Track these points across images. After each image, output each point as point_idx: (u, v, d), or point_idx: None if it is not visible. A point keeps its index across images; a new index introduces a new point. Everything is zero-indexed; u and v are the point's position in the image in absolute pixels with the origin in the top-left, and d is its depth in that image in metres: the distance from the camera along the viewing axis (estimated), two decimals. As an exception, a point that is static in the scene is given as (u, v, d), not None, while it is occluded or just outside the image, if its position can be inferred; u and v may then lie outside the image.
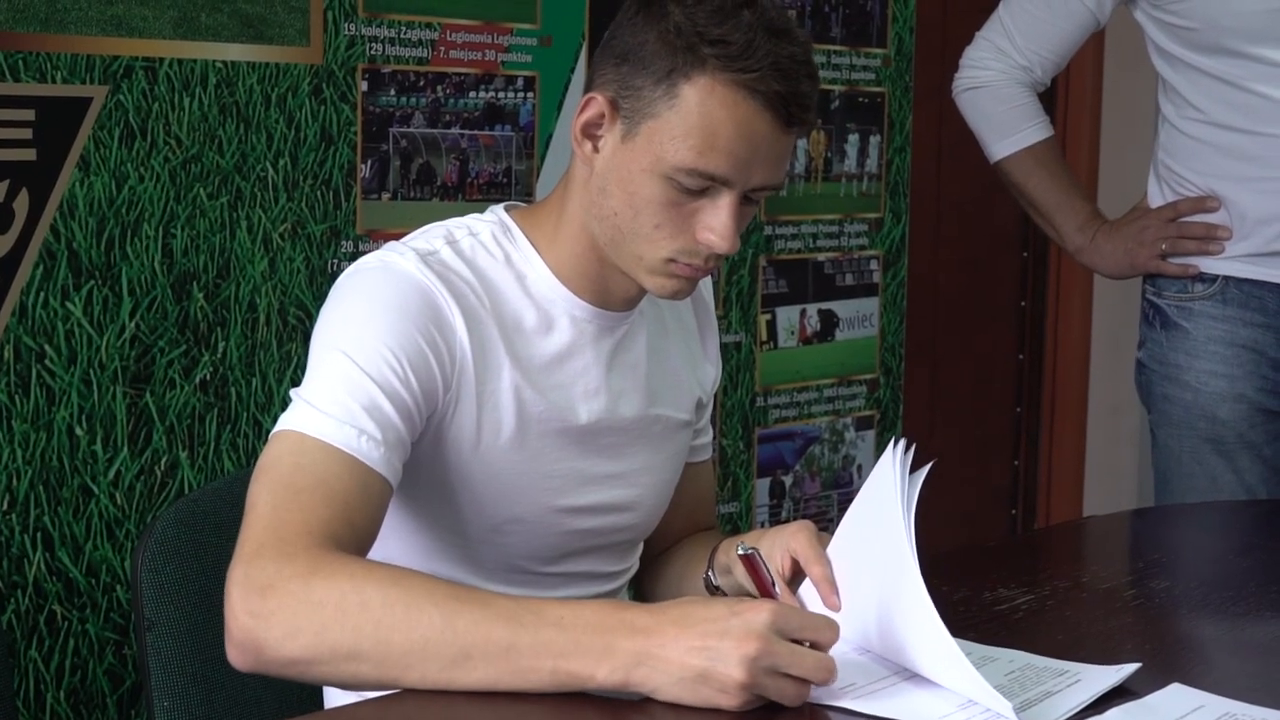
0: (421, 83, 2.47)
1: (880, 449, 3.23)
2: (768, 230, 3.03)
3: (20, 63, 2.04)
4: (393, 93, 2.44)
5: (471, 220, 1.64)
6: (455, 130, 2.52)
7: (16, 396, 2.06)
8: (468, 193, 2.53)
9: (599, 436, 1.65)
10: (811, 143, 3.10)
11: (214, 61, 2.22)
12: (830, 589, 1.44)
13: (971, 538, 3.91)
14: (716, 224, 1.53)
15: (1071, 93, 4.03)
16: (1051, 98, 3.49)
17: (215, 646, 1.36)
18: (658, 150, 1.52)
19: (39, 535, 2.09)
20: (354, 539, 1.41)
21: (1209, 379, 2.44)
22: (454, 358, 1.54)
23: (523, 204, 1.69)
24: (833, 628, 1.30)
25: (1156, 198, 2.52)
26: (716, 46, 1.49)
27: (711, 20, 1.50)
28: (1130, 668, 1.36)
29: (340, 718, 1.41)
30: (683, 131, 1.50)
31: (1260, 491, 2.44)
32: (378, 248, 1.59)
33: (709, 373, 1.81)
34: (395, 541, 1.58)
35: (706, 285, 1.80)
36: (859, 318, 3.25)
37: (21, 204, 2.05)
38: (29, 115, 2.05)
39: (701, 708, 1.24)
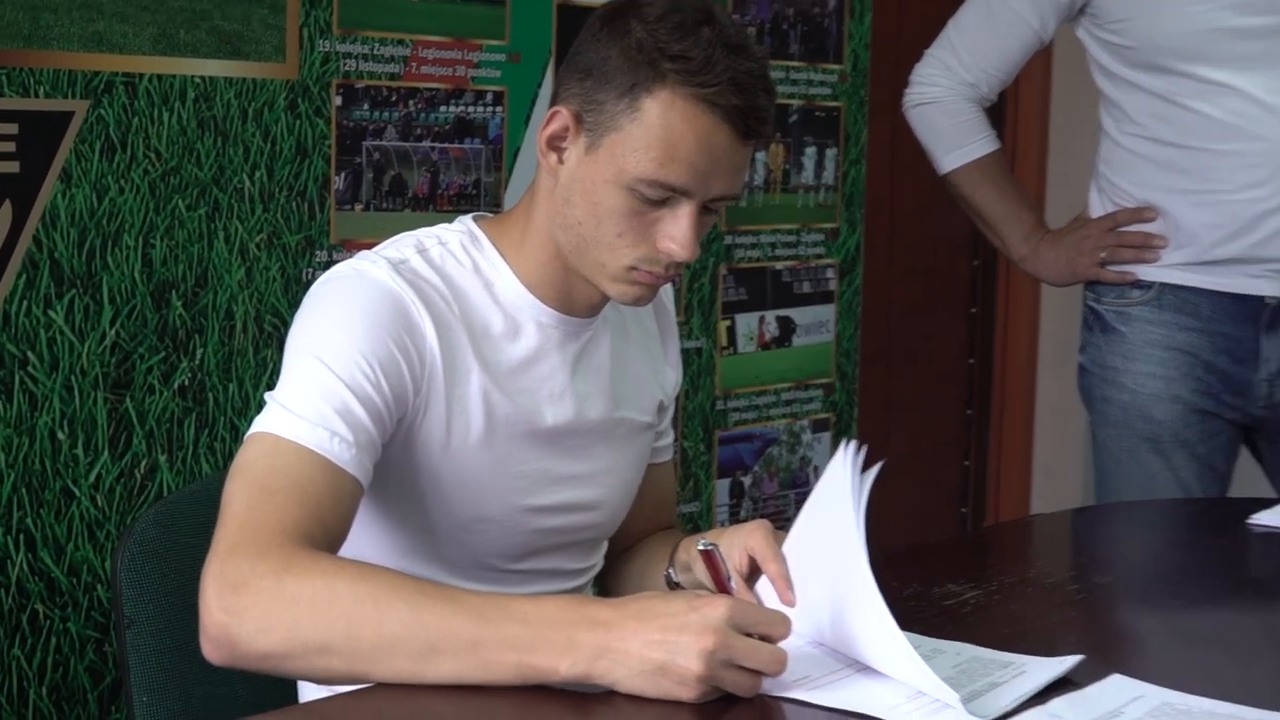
0: (394, 97, 2.47)
1: (835, 451, 3.24)
2: (728, 239, 3.04)
3: (3, 78, 2.03)
4: (366, 107, 2.44)
5: (441, 230, 1.64)
6: (426, 143, 2.52)
7: (0, 403, 2.06)
8: (438, 204, 2.54)
9: (564, 438, 1.65)
10: (770, 155, 3.10)
11: (192, 77, 2.22)
12: (785, 585, 1.45)
13: (922, 535, 3.92)
14: (677, 233, 1.53)
15: (1020, 107, 4.05)
16: (1000, 112, 3.51)
17: (193, 643, 1.36)
18: (620, 162, 1.52)
19: (21, 536, 2.09)
20: (326, 537, 1.41)
21: (1146, 381, 2.46)
22: (424, 362, 1.54)
23: (490, 214, 1.69)
24: (786, 623, 1.30)
25: (1097, 208, 2.54)
26: (677, 62, 1.49)
27: (672, 36, 1.50)
28: (1073, 660, 1.36)
29: (313, 712, 1.41)
30: (644, 144, 1.51)
31: (1195, 488, 2.46)
32: (351, 257, 1.58)
33: (670, 377, 1.81)
34: (366, 539, 1.58)
35: (667, 292, 1.81)
36: (816, 324, 3.26)
37: (5, 215, 2.04)
38: (12, 129, 2.04)
39: (661, 699, 1.24)
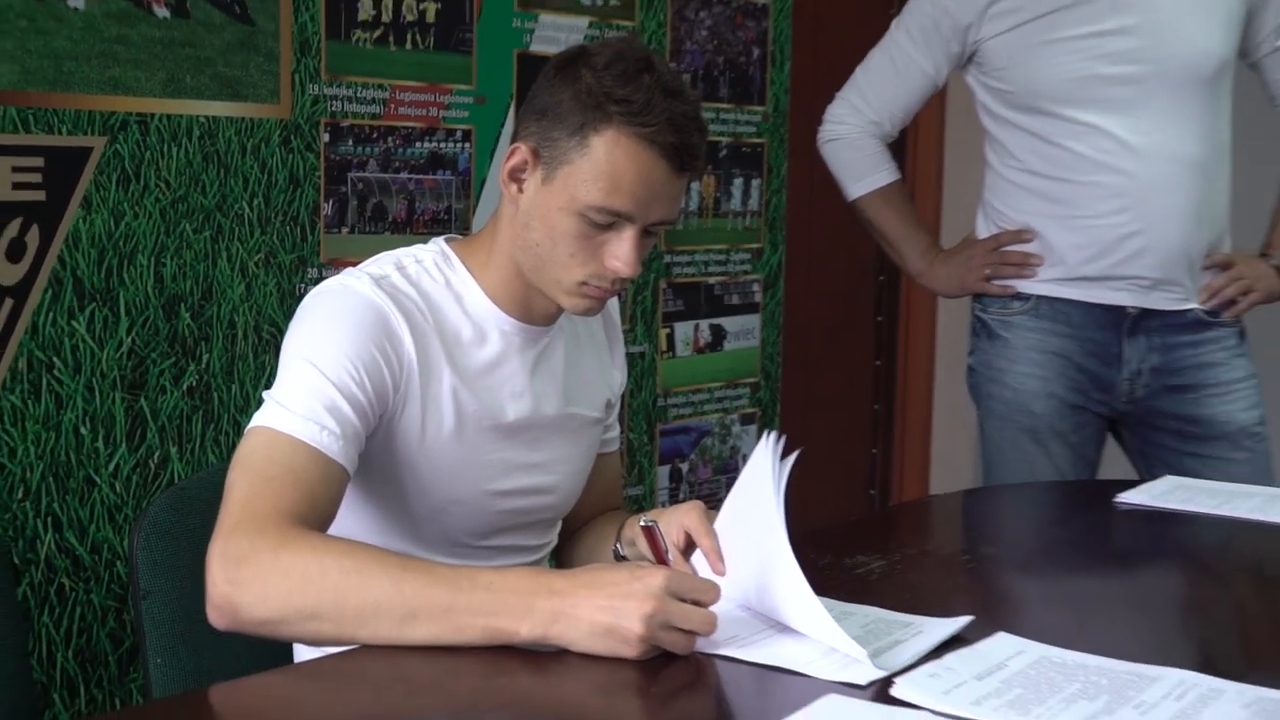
0: (375, 135, 2.46)
1: (759, 441, 3.25)
2: (667, 258, 3.04)
3: (31, 118, 2.02)
4: (350, 143, 2.43)
5: (417, 250, 1.65)
6: (404, 175, 2.51)
7: (29, 401, 2.04)
8: (414, 227, 2.53)
9: (524, 431, 1.65)
10: (703, 185, 3.11)
11: (198, 117, 2.20)
12: (716, 557, 1.45)
13: (836, 513, 3.93)
14: (621, 253, 1.54)
15: (918, 143, 4.07)
16: (901, 147, 3.52)
17: (201, 612, 1.36)
18: (572, 191, 1.52)
19: (49, 519, 2.07)
20: (316, 518, 1.41)
21: (1025, 380, 2.47)
22: (402, 365, 1.54)
23: (460, 237, 1.69)
24: (716, 590, 1.31)
25: (983, 230, 2.55)
26: (621, 105, 1.50)
27: (617, 83, 1.50)
28: (964, 620, 1.37)
29: (306, 670, 1.40)
30: (593, 175, 1.51)
31: (1069, 473, 2.47)
32: (338, 273, 1.58)
33: (616, 378, 1.82)
34: (352, 519, 1.57)
35: (614, 304, 1.81)
36: (743, 331, 3.26)
37: (33, 238, 2.03)
38: (39, 162, 2.03)
39: (608, 656, 1.25)
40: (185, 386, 2.22)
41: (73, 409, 2.09)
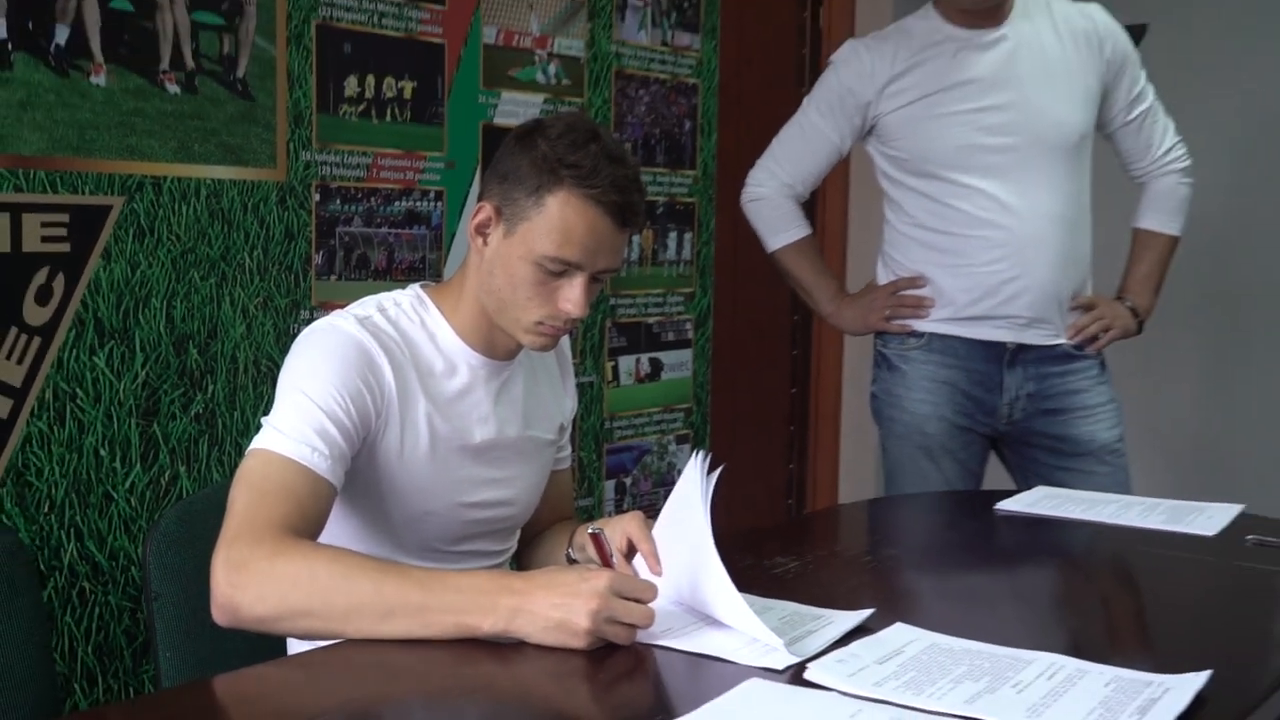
0: (359, 194, 2.46)
1: (689, 459, 3.25)
2: (612, 301, 3.04)
3: (58, 179, 2.00)
4: (338, 202, 2.42)
5: (396, 294, 1.65)
6: (384, 229, 2.51)
7: (55, 427, 2.01)
8: (393, 275, 2.52)
9: (489, 451, 1.65)
10: (643, 238, 3.12)
11: (205, 179, 2.19)
12: (654, 560, 1.45)
13: (758, 520, 3.94)
14: (573, 296, 1.55)
15: (827, 202, 4.09)
16: (812, 206, 3.55)
17: (206, 611, 1.35)
18: (530, 243, 1.53)
19: (72, 530, 2.04)
20: (307, 528, 1.40)
21: (919, 405, 2.48)
22: (383, 393, 1.53)
23: (433, 283, 1.69)
24: (653, 589, 1.31)
25: (882, 277, 2.56)
26: (571, 169, 1.50)
27: (568, 150, 1.51)
28: (867, 612, 1.38)
29: (298, 661, 1.39)
30: (547, 230, 1.52)
31: (957, 484, 2.48)
32: (327, 315, 1.58)
33: (568, 405, 1.82)
34: (339, 527, 1.57)
35: (566, 341, 1.81)
36: (678, 364, 3.27)
37: (59, 284, 2.01)
38: (64, 219, 2.01)
39: (560, 647, 1.25)
40: (193, 413, 2.20)
41: (93, 433, 2.06)
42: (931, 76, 2.41)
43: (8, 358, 1.96)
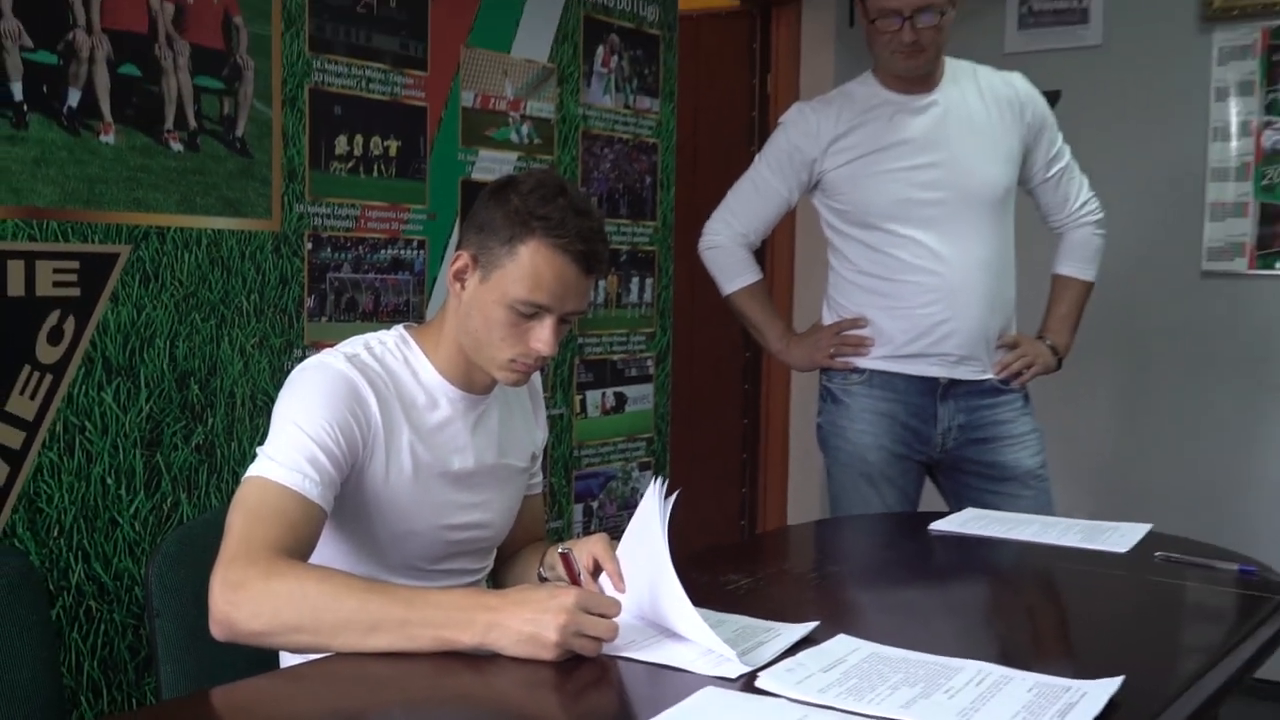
0: (348, 243, 2.45)
1: (648, 485, 3.25)
2: (580, 340, 3.05)
3: (69, 229, 1.99)
4: (329, 250, 2.42)
5: (382, 334, 1.65)
6: (371, 275, 2.51)
7: (64, 458, 2.00)
8: (379, 316, 2.51)
9: (467, 478, 1.65)
10: (608, 283, 3.12)
11: (206, 229, 2.18)
12: (618, 578, 1.45)
13: (714, 540, 3.93)
14: (543, 336, 1.55)
15: (776, 250, 4.12)
16: (763, 253, 3.57)
17: (204, 627, 1.34)
18: (503, 288, 1.54)
19: (79, 553, 2.02)
20: (299, 549, 1.40)
21: (861, 435, 2.49)
22: (369, 424, 1.53)
23: (416, 324, 1.69)
24: (617, 604, 1.31)
25: (827, 318, 2.57)
26: (541, 221, 1.51)
27: (538, 204, 1.52)
28: (812, 624, 1.38)
29: (290, 674, 1.38)
30: (519, 276, 1.52)
31: (895, 507, 2.49)
32: (318, 353, 1.58)
33: (539, 436, 1.82)
34: (328, 548, 1.56)
35: (537, 377, 1.81)
36: (640, 397, 3.27)
37: (69, 326, 1.99)
38: (75, 265, 2.00)
39: (532, 659, 1.25)
40: (193, 444, 2.18)
41: (100, 463, 2.05)
42: (871, 137, 2.43)
43: (21, 393, 1.94)
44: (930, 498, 2.59)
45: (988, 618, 1.67)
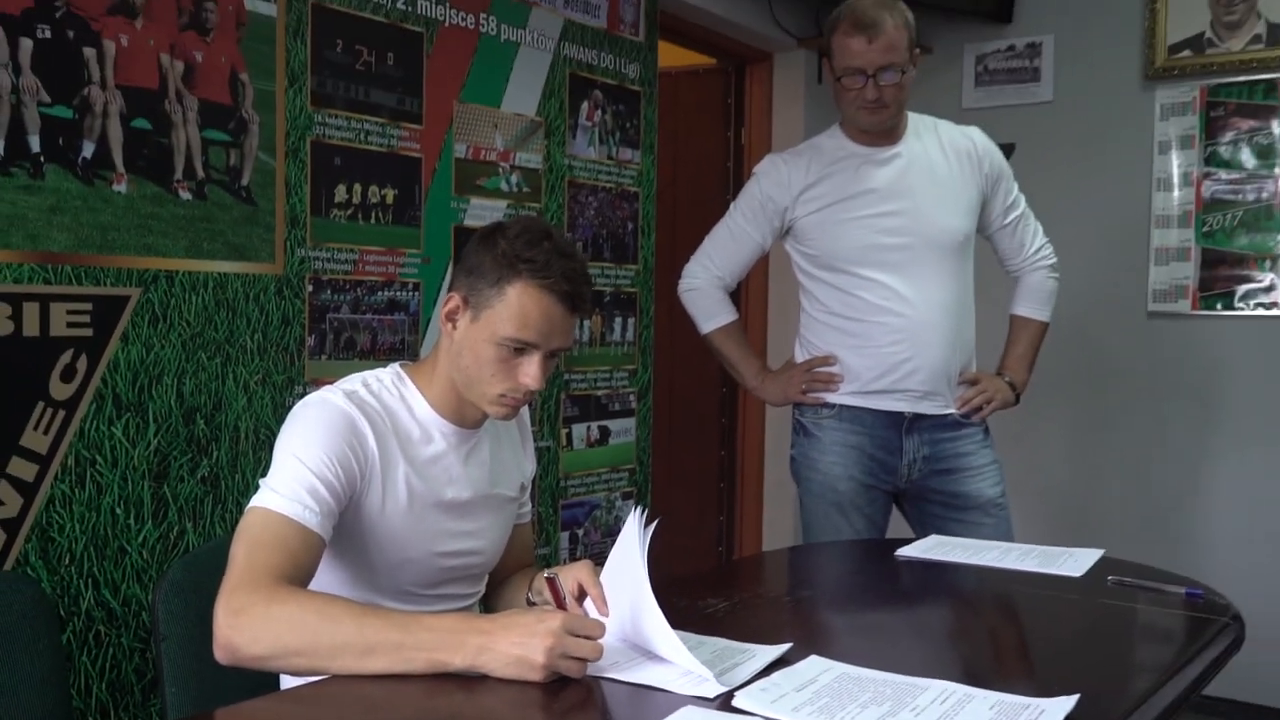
0: (347, 285, 2.45)
1: (629, 513, 3.24)
2: (566, 376, 3.05)
3: (83, 273, 1.99)
4: (329, 292, 2.42)
5: (378, 372, 1.65)
6: (369, 315, 2.50)
7: (76, 489, 1.98)
8: (376, 355, 2.51)
9: (459, 507, 1.64)
10: (593, 323, 3.13)
11: (212, 273, 2.18)
12: (602, 603, 1.45)
13: (692, 566, 3.93)
14: (531, 372, 1.55)
15: (750, 291, 4.13)
16: (739, 295, 3.58)
17: (209, 651, 1.33)
18: (493, 327, 1.54)
19: (89, 580, 2.00)
20: (299, 576, 1.39)
21: (832, 467, 2.49)
22: (366, 458, 1.53)
23: (411, 362, 1.69)
24: (602, 627, 1.31)
25: (799, 356, 2.58)
26: (527, 264, 1.52)
27: (525, 247, 1.53)
28: (786, 646, 1.38)
29: (290, 696, 1.37)
30: (507, 316, 1.53)
31: (864, 534, 2.49)
32: (318, 389, 1.58)
33: (528, 467, 1.82)
34: (327, 575, 1.56)
35: (525, 412, 1.82)
36: (623, 430, 3.27)
37: (82, 364, 1.99)
38: (88, 307, 1.99)
39: (520, 680, 1.24)
40: (199, 476, 2.17)
41: (110, 494, 2.03)
42: (838, 186, 2.45)
43: (35, 428, 1.93)
44: (897, 525, 2.59)
45: (951, 639, 1.66)
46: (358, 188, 2.47)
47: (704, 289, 2.60)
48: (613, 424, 3.22)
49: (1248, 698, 3.60)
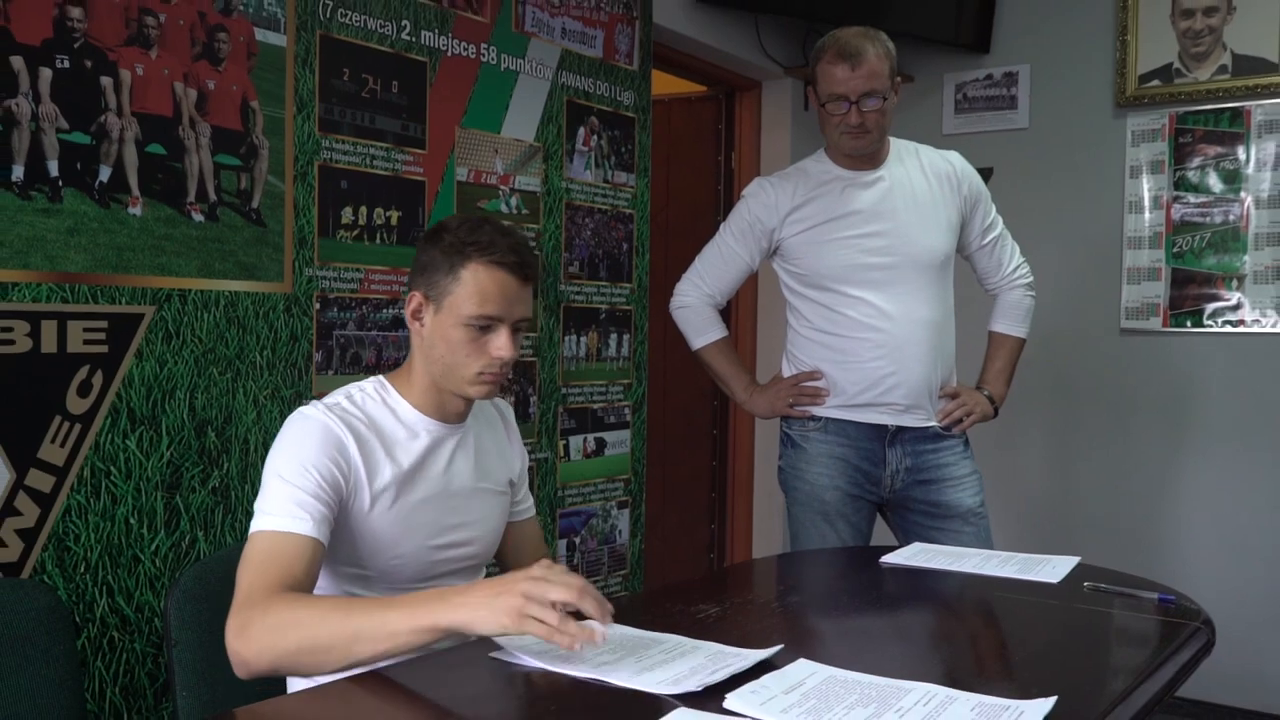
0: (353, 304, 2.45)
1: (632, 524, 3.24)
2: (564, 390, 3.04)
3: (99, 292, 1.98)
4: (335, 310, 2.41)
5: (362, 384, 1.68)
6: (374, 332, 2.50)
7: (91, 500, 1.97)
8: (381, 370, 2.50)
9: (448, 500, 1.66)
10: (589, 339, 3.12)
11: (223, 291, 2.18)
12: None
13: (685, 572, 3.92)
14: (500, 343, 1.59)
15: (740, 309, 4.14)
16: (729, 312, 3.59)
17: (217, 655, 1.33)
18: (456, 311, 1.57)
19: (104, 587, 1.99)
20: (298, 584, 1.40)
21: (818, 477, 2.49)
22: (349, 465, 1.55)
23: (390, 372, 1.71)
24: (577, 587, 1.27)
25: (786, 370, 2.58)
26: (474, 245, 1.57)
27: (468, 234, 1.58)
28: (775, 649, 1.37)
29: (295, 700, 1.36)
30: (466, 296, 1.57)
31: (850, 542, 2.48)
32: (302, 406, 1.60)
33: (516, 463, 1.84)
34: (327, 582, 1.58)
35: (509, 411, 1.85)
36: (618, 442, 3.26)
37: (98, 379, 1.98)
38: (104, 325, 1.99)
39: (496, 633, 1.25)
40: (210, 487, 2.16)
41: (124, 505, 2.02)
42: (824, 208, 2.46)
43: (52, 441, 1.93)
44: (881, 533, 2.59)
45: (934, 643, 1.66)
46: (363, 210, 2.47)
47: (695, 306, 2.60)
48: (608, 436, 3.21)
49: (1217, 699, 3.59)
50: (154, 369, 2.07)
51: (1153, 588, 1.83)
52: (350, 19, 2.43)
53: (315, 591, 1.47)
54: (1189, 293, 3.67)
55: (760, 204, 2.52)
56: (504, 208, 2.82)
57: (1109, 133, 3.79)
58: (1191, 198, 3.67)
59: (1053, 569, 1.94)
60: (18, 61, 1.87)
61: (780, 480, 2.59)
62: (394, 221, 2.54)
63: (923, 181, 2.49)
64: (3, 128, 1.85)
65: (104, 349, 1.99)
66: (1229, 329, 3.62)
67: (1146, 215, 3.74)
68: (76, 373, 1.96)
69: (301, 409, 1.57)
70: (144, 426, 2.06)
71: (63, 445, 1.94)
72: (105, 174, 1.99)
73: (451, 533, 1.65)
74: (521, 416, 2.89)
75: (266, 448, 2.24)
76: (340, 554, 1.57)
